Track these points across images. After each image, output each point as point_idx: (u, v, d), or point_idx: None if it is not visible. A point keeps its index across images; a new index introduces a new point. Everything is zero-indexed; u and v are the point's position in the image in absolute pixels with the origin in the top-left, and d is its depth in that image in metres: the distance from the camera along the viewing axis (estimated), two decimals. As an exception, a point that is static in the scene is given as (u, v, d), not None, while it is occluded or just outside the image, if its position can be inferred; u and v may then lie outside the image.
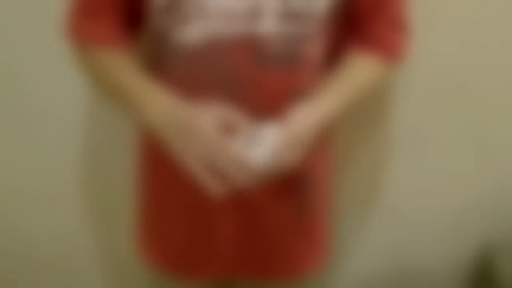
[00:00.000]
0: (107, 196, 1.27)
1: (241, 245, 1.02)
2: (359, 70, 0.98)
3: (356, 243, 1.34)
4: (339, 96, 0.94)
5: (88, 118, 1.20)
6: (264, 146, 0.88)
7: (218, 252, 1.03)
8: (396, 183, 1.29)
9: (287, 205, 1.02)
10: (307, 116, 0.90)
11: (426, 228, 1.33)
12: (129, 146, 1.14)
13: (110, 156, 1.23)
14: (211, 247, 1.03)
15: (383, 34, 0.99)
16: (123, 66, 0.95)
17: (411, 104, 1.22)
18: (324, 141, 1.03)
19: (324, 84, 0.95)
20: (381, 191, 1.30)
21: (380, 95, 1.20)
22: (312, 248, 1.09)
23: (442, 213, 1.31)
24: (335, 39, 0.99)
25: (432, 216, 1.32)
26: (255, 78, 0.90)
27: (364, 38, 0.99)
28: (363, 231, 1.34)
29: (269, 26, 0.89)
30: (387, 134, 1.25)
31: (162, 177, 1.02)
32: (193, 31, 0.89)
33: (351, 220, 1.33)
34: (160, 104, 0.90)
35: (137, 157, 1.10)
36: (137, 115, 0.93)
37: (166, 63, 0.96)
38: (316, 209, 1.07)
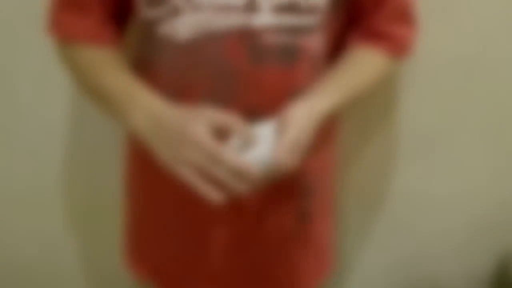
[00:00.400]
0: (93, 202, 1.25)
1: (236, 256, 0.99)
2: (362, 64, 0.96)
3: (362, 255, 1.32)
4: (339, 91, 0.91)
5: (76, 120, 1.19)
6: (261, 149, 0.84)
7: (211, 264, 0.99)
8: (406, 189, 1.26)
9: (287, 211, 0.98)
10: (305, 113, 0.86)
11: (440, 239, 1.31)
12: (117, 150, 1.12)
13: (97, 160, 1.22)
14: (203, 258, 0.99)
15: (388, 26, 0.96)
16: (107, 65, 0.92)
17: (420, 103, 1.20)
18: (325, 141, 1.00)
19: (324, 78, 0.93)
20: (389, 198, 1.28)
21: (385, 92, 1.18)
22: (315, 258, 1.05)
23: (458, 222, 1.30)
24: (337, 32, 0.96)
25: (447, 226, 1.30)
26: (250, 75, 0.87)
27: (368, 30, 0.97)
28: (370, 241, 1.31)
29: (265, 18, 0.86)
30: (394, 136, 1.23)
31: (151, 183, 0.99)
32: (183, 24, 0.86)
33: (356, 229, 1.30)
34: (146, 110, 0.85)
35: (125, 162, 1.07)
36: (121, 120, 0.90)
37: (155, 60, 0.92)
38: (319, 215, 1.03)
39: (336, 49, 0.98)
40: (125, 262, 1.08)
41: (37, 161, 1.21)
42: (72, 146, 1.21)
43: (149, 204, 1.01)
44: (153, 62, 0.93)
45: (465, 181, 1.26)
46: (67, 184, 1.23)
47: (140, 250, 1.05)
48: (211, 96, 0.88)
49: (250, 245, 0.98)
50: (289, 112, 0.86)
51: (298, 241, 1.01)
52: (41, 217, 1.25)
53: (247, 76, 0.87)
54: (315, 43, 0.90)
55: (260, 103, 0.89)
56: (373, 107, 1.18)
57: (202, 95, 0.88)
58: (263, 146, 0.83)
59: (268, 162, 0.83)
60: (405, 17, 0.98)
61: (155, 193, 0.98)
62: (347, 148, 1.20)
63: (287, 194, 0.97)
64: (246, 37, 0.86)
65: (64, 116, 1.18)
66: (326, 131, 0.95)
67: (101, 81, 0.90)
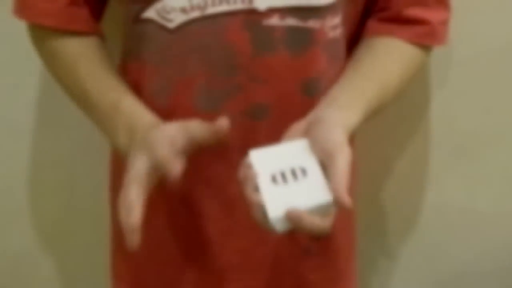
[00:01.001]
0: (69, 213, 1.18)
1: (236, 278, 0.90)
2: (390, 57, 0.87)
3: (390, 279, 1.24)
4: (368, 100, 0.81)
5: (44, 122, 1.13)
6: (306, 186, 0.68)
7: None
8: (440, 204, 1.17)
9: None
10: (342, 127, 0.75)
11: (480, 261, 1.22)
12: (98, 155, 1.04)
13: (75, 168, 1.15)
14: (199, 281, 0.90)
15: (416, 10, 0.88)
16: (86, 61, 0.85)
17: (458, 102, 1.11)
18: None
19: (346, 78, 0.83)
20: (421, 214, 1.18)
21: (415, 91, 1.09)
22: (333, 283, 0.95)
23: (501, 242, 1.20)
24: (357, 16, 0.89)
25: (488, 246, 1.20)
26: (254, 65, 0.80)
27: (393, 15, 0.88)
28: (398, 263, 1.22)
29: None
30: (427, 141, 1.15)
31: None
32: (175, 8, 0.79)
33: (382, 249, 1.22)
34: (129, 128, 0.78)
35: (110, 169, 0.97)
36: (103, 131, 0.84)
37: (142, 51, 0.84)
38: (337, 229, 0.88)
39: (357, 33, 0.90)
40: (111, 278, 1.00)
41: (7, 165, 1.16)
42: (47, 150, 1.15)
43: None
44: (141, 54, 0.84)
45: (510, 195, 1.18)
46: (40, 192, 1.18)
47: (126, 269, 0.96)
48: (207, 92, 0.81)
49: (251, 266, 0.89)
50: (326, 125, 0.73)
51: (311, 261, 0.91)
52: (12, 227, 1.20)
53: (250, 67, 0.80)
54: (329, 26, 0.82)
55: (265, 100, 0.81)
56: (402, 108, 1.10)
57: (197, 91, 0.81)
58: (309, 181, 0.68)
59: (323, 204, 0.66)
60: None
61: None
62: (372, 156, 1.13)
63: None
64: (249, 21, 0.78)
65: (38, 119, 1.13)
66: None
67: (81, 83, 0.84)
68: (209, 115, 0.77)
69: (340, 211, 0.90)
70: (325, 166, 0.69)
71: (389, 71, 0.85)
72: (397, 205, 1.18)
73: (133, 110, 0.80)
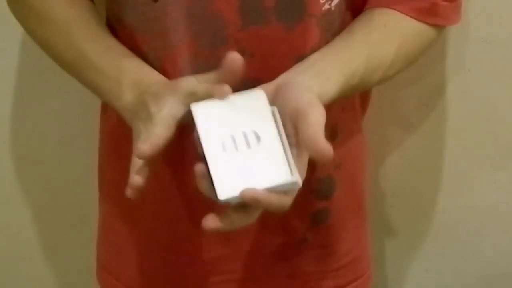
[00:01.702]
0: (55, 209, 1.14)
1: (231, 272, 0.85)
2: (384, 29, 0.80)
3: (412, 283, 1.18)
4: (352, 68, 0.75)
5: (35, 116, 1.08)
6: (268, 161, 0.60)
7: (200, 277, 0.86)
8: (470, 204, 1.11)
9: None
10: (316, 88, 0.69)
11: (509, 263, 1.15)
12: (86, 149, 1.00)
13: (61, 164, 1.10)
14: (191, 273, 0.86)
15: None
16: (82, 21, 0.79)
17: (480, 88, 1.04)
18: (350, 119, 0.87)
19: (330, 46, 0.77)
20: (448, 213, 1.13)
21: (433, 75, 1.03)
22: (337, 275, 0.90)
23: None
24: None
25: None
26: (244, 39, 0.75)
27: None
28: (422, 265, 1.16)
29: None
30: (455, 136, 1.08)
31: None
32: None
33: (405, 251, 1.16)
34: (135, 83, 0.73)
35: (100, 159, 0.93)
36: (105, 98, 0.78)
37: (128, 19, 0.79)
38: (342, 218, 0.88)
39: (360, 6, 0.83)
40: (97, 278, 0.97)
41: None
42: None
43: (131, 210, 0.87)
44: (127, 22, 0.79)
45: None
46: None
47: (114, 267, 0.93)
48: (192, 67, 0.75)
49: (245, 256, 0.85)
50: (297, 88, 0.68)
51: (308, 252, 0.86)
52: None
53: (238, 39, 0.75)
54: None
55: (256, 76, 0.74)
56: (420, 97, 1.05)
57: (182, 66, 0.76)
58: (266, 152, 0.60)
59: (285, 184, 0.59)
60: None
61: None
62: (393, 149, 1.09)
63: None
64: None
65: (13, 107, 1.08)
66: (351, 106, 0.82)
67: (77, 45, 0.77)
68: None
69: (343, 201, 0.87)
70: (297, 125, 0.63)
71: (381, 44, 0.79)
72: (418, 202, 1.14)
73: (138, 67, 0.75)
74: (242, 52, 0.73)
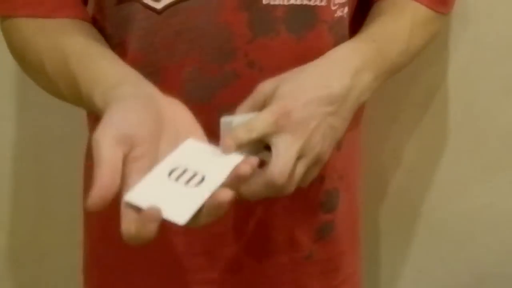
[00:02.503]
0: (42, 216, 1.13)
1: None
2: (399, 21, 0.80)
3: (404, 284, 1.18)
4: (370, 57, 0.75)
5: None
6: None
7: None
8: (459, 200, 1.11)
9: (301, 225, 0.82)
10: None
11: (503, 263, 1.15)
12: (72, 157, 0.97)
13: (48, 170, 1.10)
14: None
15: None
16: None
17: (479, 85, 1.04)
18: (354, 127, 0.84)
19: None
20: (438, 211, 1.12)
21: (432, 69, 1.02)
22: None
23: None
24: None
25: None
26: (253, 49, 0.73)
27: None
28: (422, 269, 1.15)
29: None
30: (446, 131, 1.07)
31: None
32: None
33: (404, 255, 1.15)
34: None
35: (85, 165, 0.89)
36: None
37: (125, 34, 0.77)
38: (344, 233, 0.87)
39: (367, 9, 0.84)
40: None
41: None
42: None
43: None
44: (123, 39, 0.77)
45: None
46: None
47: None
48: (199, 80, 0.74)
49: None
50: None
51: (313, 267, 0.85)
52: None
53: (247, 52, 0.73)
54: (337, 4, 0.76)
55: None
56: (416, 95, 1.04)
57: (187, 79, 0.74)
58: (193, 192, 0.61)
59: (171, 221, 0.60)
60: None
61: None
62: (385, 150, 1.09)
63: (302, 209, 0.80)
64: (246, 2, 0.72)
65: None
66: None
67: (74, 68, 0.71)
68: (200, 107, 0.70)
69: (345, 212, 0.86)
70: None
71: (395, 17, 0.80)
72: (411, 203, 1.14)
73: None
74: (251, 66, 0.73)
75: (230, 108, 0.70)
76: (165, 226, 0.78)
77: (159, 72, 0.74)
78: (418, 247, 1.15)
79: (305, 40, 0.73)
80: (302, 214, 0.81)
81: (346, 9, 0.76)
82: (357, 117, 0.86)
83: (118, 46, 0.77)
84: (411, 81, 1.02)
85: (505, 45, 1.02)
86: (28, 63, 0.78)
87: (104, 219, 0.84)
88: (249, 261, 0.80)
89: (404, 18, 0.80)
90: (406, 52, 0.79)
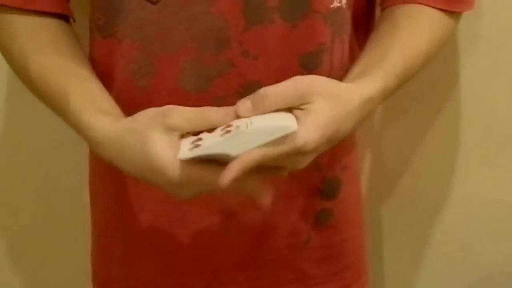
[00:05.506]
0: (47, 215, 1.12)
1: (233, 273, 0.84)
2: (413, 25, 0.80)
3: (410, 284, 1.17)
4: (390, 70, 0.75)
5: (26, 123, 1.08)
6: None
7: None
8: (469, 198, 1.10)
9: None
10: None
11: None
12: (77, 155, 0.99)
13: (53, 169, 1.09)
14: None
15: None
16: (50, 48, 0.77)
17: (487, 84, 1.03)
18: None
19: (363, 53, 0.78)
20: (447, 208, 1.11)
21: (442, 67, 1.01)
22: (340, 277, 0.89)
23: None
24: None
25: None
26: (247, 38, 0.73)
27: None
28: (420, 265, 1.15)
29: None
30: (455, 126, 1.07)
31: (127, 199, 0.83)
32: None
33: (402, 250, 1.14)
34: (107, 127, 0.70)
35: (90, 172, 0.90)
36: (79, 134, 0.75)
37: (119, 25, 0.76)
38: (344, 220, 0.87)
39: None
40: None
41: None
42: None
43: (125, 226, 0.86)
44: (116, 29, 0.77)
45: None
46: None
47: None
48: (194, 70, 0.74)
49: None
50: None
51: (312, 253, 0.85)
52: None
53: (242, 41, 0.73)
54: None
55: (259, 77, 0.74)
56: (423, 94, 1.04)
57: (182, 69, 0.74)
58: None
59: None
60: None
61: (134, 211, 0.83)
62: (390, 142, 1.08)
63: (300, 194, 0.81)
64: None
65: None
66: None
67: (45, 77, 0.75)
68: (196, 97, 0.72)
69: (347, 202, 0.87)
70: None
71: (413, 41, 0.79)
72: (417, 199, 1.13)
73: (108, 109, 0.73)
74: (245, 54, 0.73)
75: (226, 97, 0.71)
76: (170, 219, 0.80)
77: (154, 63, 0.74)
78: (424, 246, 1.14)
79: (298, 29, 0.73)
80: (300, 200, 0.81)
81: (344, 0, 0.76)
82: None
83: (110, 37, 0.77)
84: (416, 79, 1.01)
85: (503, 44, 1.01)
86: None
87: (108, 212, 0.88)
88: (247, 246, 0.81)
89: (422, 34, 0.80)
90: (423, 66, 0.80)
